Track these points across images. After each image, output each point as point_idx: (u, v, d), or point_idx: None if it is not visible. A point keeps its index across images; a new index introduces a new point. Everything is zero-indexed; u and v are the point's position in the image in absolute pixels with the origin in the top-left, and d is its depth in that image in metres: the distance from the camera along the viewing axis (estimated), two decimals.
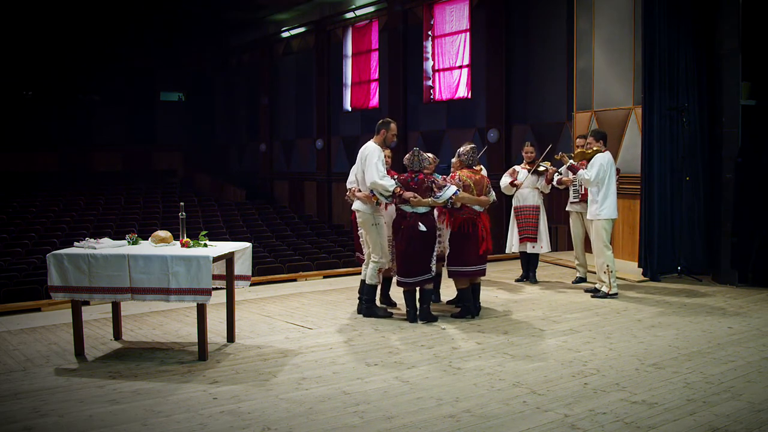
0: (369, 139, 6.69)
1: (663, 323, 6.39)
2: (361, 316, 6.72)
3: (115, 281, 5.17)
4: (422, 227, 6.24)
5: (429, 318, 6.43)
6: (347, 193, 6.83)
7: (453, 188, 6.36)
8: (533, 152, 8.49)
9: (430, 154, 6.74)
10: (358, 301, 6.88)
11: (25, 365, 5.21)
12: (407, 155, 6.53)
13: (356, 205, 6.58)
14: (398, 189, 6.28)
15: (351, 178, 6.82)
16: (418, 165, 6.43)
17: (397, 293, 6.97)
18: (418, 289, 6.43)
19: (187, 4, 20.39)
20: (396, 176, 6.46)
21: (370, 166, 6.35)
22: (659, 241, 8.78)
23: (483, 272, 6.70)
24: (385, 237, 6.59)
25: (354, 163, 6.78)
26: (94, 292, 5.23)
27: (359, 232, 6.87)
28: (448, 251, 6.61)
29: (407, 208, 6.32)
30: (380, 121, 6.72)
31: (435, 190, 6.32)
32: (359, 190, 6.56)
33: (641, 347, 5.55)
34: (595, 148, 7.55)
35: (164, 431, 3.89)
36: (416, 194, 6.27)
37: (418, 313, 6.46)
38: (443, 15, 16.80)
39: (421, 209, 6.31)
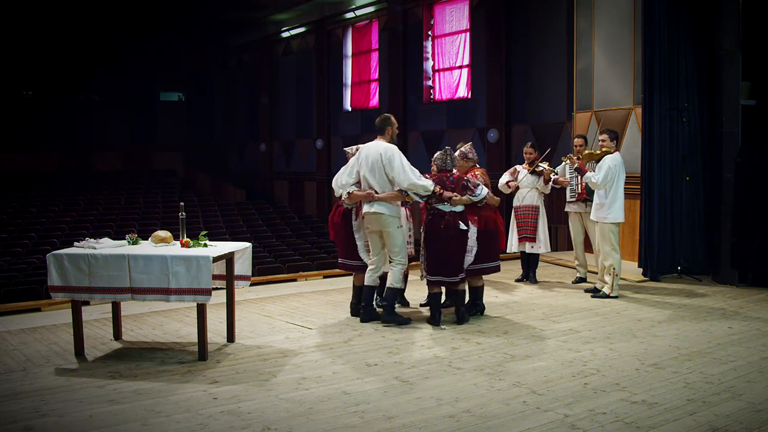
0: (369, 139, 6.53)
1: (663, 323, 6.39)
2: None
3: (115, 281, 5.17)
4: (463, 226, 6.26)
5: (465, 320, 6.43)
6: (344, 198, 6.50)
7: (485, 188, 6.42)
8: (533, 152, 8.48)
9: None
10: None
11: (25, 365, 5.21)
12: (438, 154, 6.47)
13: (376, 208, 6.21)
14: (438, 189, 6.21)
15: (343, 180, 6.47)
16: (450, 164, 6.43)
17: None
18: (443, 290, 6.41)
19: (186, 4, 20.38)
20: (428, 176, 6.36)
21: (402, 167, 6.15)
22: (659, 241, 8.78)
23: (499, 268, 6.85)
24: (406, 238, 6.45)
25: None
26: (94, 292, 5.23)
27: (356, 236, 6.64)
28: (475, 249, 6.56)
29: (444, 208, 6.24)
30: (382, 119, 6.48)
31: (471, 188, 6.32)
32: (376, 192, 6.25)
33: (641, 347, 5.55)
34: (605, 149, 7.50)
35: (164, 431, 3.89)
36: (456, 193, 6.26)
37: (440, 317, 6.39)
38: (443, 15, 16.80)
39: (458, 208, 6.29)
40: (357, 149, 6.80)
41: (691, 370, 4.94)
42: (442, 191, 6.22)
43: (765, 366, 5.03)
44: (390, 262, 6.43)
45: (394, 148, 6.29)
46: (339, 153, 20.13)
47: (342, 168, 6.61)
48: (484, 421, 3.98)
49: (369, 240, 6.51)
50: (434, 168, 6.56)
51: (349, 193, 6.45)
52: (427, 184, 6.18)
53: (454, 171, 6.57)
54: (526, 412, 4.13)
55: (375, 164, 6.27)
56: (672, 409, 4.15)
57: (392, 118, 6.53)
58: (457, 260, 6.30)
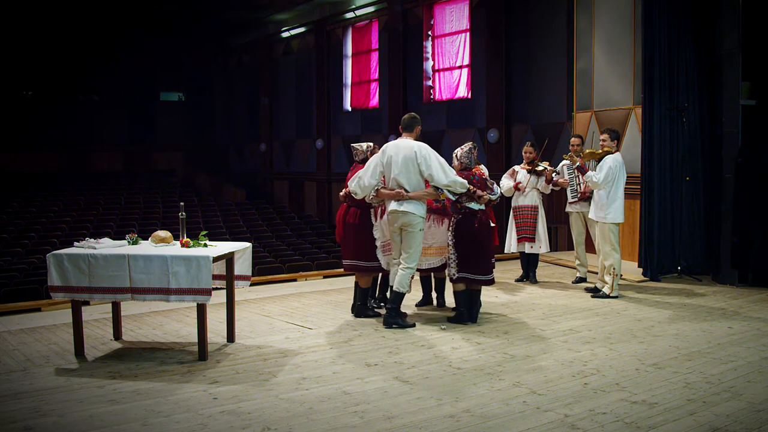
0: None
1: (663, 323, 6.39)
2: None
3: (115, 281, 5.17)
4: (492, 223, 6.35)
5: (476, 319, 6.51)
6: (371, 197, 6.30)
7: (498, 187, 6.51)
8: (533, 152, 8.48)
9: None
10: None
11: (25, 365, 5.21)
12: (464, 152, 6.46)
13: (405, 206, 6.05)
14: (472, 187, 6.22)
15: (366, 182, 6.23)
16: (474, 163, 6.48)
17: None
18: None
19: (187, 4, 20.38)
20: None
21: (440, 165, 6.05)
22: (659, 241, 8.78)
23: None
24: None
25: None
26: (94, 292, 5.23)
27: (376, 236, 6.52)
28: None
29: (474, 206, 6.27)
30: (411, 117, 6.35)
31: (491, 187, 6.37)
32: (406, 191, 6.10)
33: (641, 347, 5.55)
34: (606, 149, 7.51)
35: (164, 431, 3.89)
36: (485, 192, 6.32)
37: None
38: (443, 15, 16.80)
39: (483, 206, 6.35)
40: (368, 147, 6.80)
41: (691, 370, 4.94)
42: (475, 189, 6.24)
43: (765, 366, 5.04)
44: (400, 264, 6.28)
45: (427, 146, 6.20)
46: (339, 153, 20.15)
47: (362, 170, 6.39)
48: (484, 421, 3.98)
49: (392, 239, 6.37)
50: (456, 165, 6.50)
51: (376, 190, 6.27)
52: (465, 182, 6.16)
53: (481, 169, 6.62)
54: (526, 412, 4.13)
55: (408, 162, 6.10)
56: (672, 409, 4.15)
57: (419, 118, 6.45)
58: (489, 258, 6.37)
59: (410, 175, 6.12)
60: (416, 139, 6.32)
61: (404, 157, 6.12)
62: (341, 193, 6.78)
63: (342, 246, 6.87)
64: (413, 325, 6.29)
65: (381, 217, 6.55)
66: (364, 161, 6.66)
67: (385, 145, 6.41)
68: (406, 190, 6.11)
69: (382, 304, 6.97)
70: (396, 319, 6.25)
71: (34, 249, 14.05)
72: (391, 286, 6.32)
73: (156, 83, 26.24)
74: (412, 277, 6.30)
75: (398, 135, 6.49)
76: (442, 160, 6.14)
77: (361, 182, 6.27)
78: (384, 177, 6.26)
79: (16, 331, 6.41)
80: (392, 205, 6.15)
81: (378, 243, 6.58)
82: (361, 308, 6.71)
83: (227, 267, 5.73)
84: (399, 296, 6.24)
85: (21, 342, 5.96)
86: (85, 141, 24.47)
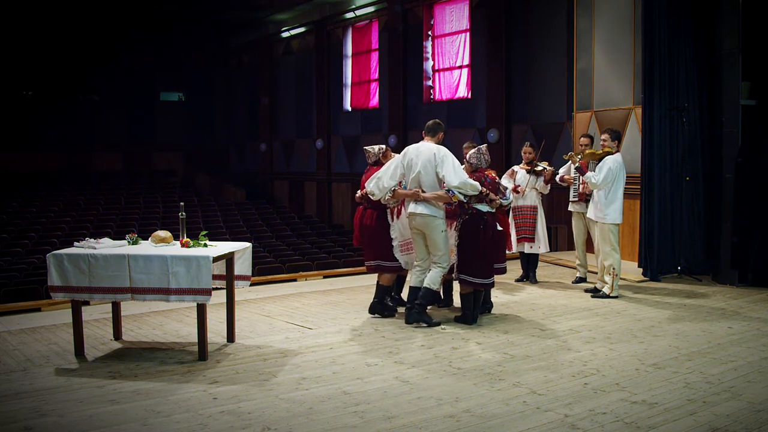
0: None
1: (663, 323, 6.39)
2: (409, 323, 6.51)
3: (115, 281, 5.17)
4: (499, 227, 6.39)
5: (474, 321, 6.48)
6: (388, 197, 6.38)
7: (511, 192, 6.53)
8: (532, 152, 8.48)
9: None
10: (407, 309, 6.52)
11: (25, 365, 5.21)
12: (473, 153, 6.47)
13: (421, 209, 6.17)
14: (485, 190, 6.23)
15: (385, 183, 6.33)
16: (485, 163, 6.48)
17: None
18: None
19: (187, 4, 20.38)
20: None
21: (453, 167, 6.13)
22: (659, 241, 8.78)
23: (505, 269, 6.98)
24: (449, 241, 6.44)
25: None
26: (94, 292, 5.23)
27: (393, 235, 6.60)
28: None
29: (483, 208, 6.28)
30: (436, 123, 6.50)
31: (502, 191, 6.39)
32: (423, 191, 6.19)
33: (641, 347, 5.55)
34: (606, 149, 7.51)
35: (164, 431, 3.89)
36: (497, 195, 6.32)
37: (477, 315, 6.49)
38: (443, 15, 16.80)
39: (492, 209, 6.35)
40: (380, 149, 6.87)
41: (691, 370, 4.94)
42: (488, 192, 6.25)
43: (765, 366, 5.04)
44: (418, 267, 6.43)
45: (446, 149, 6.31)
46: (339, 153, 20.14)
47: (380, 170, 6.47)
48: (484, 421, 3.98)
49: (413, 240, 6.45)
50: (466, 167, 6.49)
51: (393, 191, 6.37)
52: (477, 184, 6.19)
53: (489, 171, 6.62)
54: (526, 412, 4.13)
55: (428, 163, 6.23)
56: (672, 409, 4.15)
57: (443, 125, 6.60)
58: (491, 262, 6.36)
59: (428, 176, 6.24)
60: (438, 143, 6.43)
61: (424, 159, 6.25)
62: (357, 195, 6.85)
63: (363, 248, 6.96)
64: (438, 324, 6.33)
65: (398, 216, 6.64)
66: (376, 163, 6.80)
67: (406, 148, 6.52)
68: (423, 191, 6.22)
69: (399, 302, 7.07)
70: (422, 317, 6.30)
71: (34, 249, 14.05)
72: (412, 287, 6.40)
73: (156, 83, 26.22)
74: (444, 277, 6.41)
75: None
76: (457, 162, 6.25)
77: (380, 183, 6.38)
78: (405, 178, 6.37)
79: (16, 331, 6.41)
80: (410, 207, 6.29)
81: (395, 243, 6.65)
82: (376, 305, 6.74)
83: (227, 267, 5.73)
84: (429, 293, 6.33)
85: (21, 342, 5.96)
86: (85, 141, 24.47)
